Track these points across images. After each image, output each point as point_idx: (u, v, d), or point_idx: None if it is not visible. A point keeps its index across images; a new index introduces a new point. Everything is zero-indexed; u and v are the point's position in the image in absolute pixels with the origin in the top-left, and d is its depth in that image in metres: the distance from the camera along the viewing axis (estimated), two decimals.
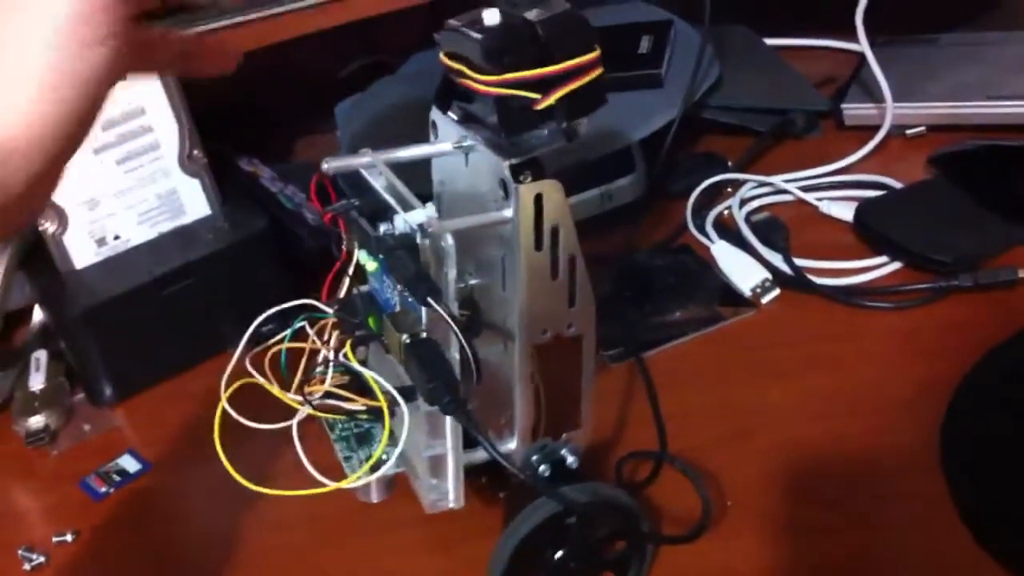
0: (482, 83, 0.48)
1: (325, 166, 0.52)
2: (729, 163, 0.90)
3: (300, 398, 0.53)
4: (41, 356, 0.77)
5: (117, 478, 0.70)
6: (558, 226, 0.48)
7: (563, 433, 0.55)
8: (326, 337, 0.54)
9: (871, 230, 0.81)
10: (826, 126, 0.97)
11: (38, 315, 0.79)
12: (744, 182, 0.87)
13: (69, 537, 0.66)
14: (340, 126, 0.94)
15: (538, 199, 0.48)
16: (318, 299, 0.55)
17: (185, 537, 0.67)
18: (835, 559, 0.58)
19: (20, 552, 0.65)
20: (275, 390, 0.53)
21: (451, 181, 0.55)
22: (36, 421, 0.74)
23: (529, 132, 0.48)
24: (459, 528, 0.59)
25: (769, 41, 1.06)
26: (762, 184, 0.87)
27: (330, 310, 0.54)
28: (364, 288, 0.55)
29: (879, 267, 0.78)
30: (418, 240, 0.48)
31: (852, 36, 0.92)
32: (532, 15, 0.47)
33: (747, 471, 0.63)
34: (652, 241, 0.84)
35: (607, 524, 0.53)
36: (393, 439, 0.51)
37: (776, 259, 0.78)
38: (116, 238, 0.75)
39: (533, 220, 0.48)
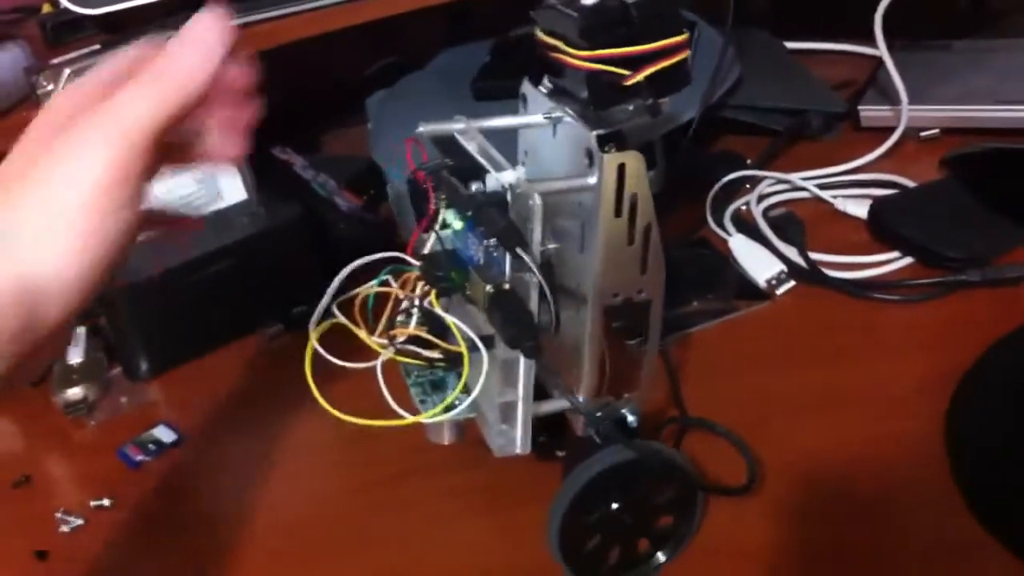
0: (577, 58, 0.52)
1: (421, 128, 0.56)
2: (748, 161, 0.93)
3: (384, 341, 0.56)
4: (80, 331, 0.81)
5: (152, 447, 0.73)
6: (636, 195, 0.52)
7: (624, 393, 0.59)
8: (410, 288, 0.57)
9: (884, 226, 0.84)
10: (843, 127, 1.00)
11: None
12: (762, 179, 0.90)
13: (107, 502, 0.69)
14: (371, 118, 0.97)
15: (620, 168, 0.51)
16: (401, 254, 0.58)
17: (216, 505, 0.70)
18: (843, 542, 0.60)
19: (58, 515, 0.68)
20: (362, 333, 0.56)
21: (536, 151, 0.59)
22: (74, 392, 0.77)
23: (616, 107, 0.52)
24: (518, 483, 0.65)
25: (789, 45, 1.08)
26: (780, 181, 0.90)
27: (416, 263, 0.58)
28: (448, 245, 0.59)
29: (890, 262, 0.81)
30: (508, 198, 0.52)
31: (869, 41, 0.95)
32: None
33: (759, 456, 0.65)
34: (672, 234, 0.86)
35: (664, 480, 0.58)
36: (467, 385, 0.55)
37: (792, 253, 0.81)
38: None
39: (615, 188, 0.52)
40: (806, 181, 0.90)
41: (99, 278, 0.43)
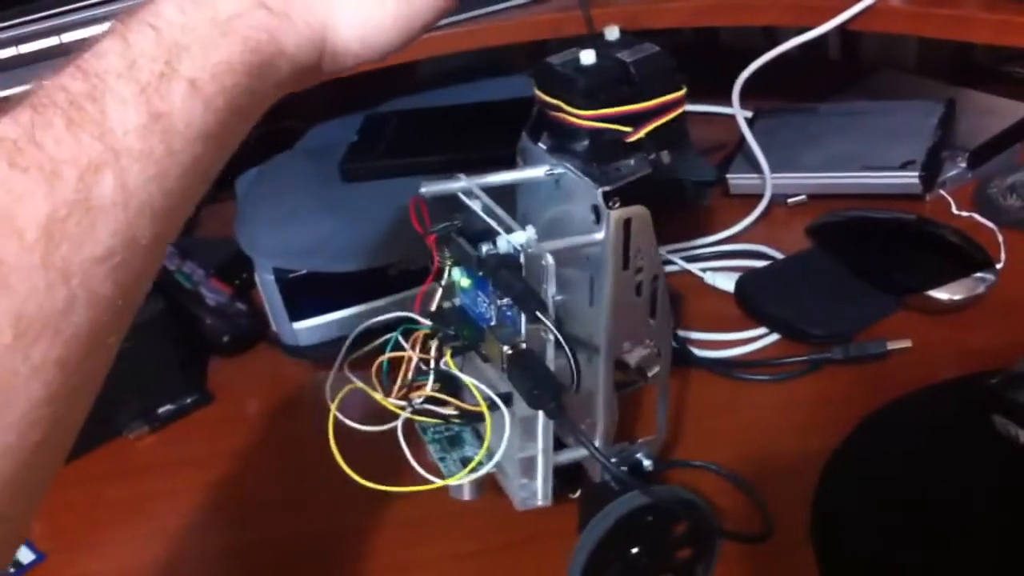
0: (579, 117, 0.56)
1: (423, 190, 0.60)
2: None
3: (402, 403, 0.59)
4: None
5: (11, 570, 0.71)
6: (643, 248, 0.57)
7: (638, 439, 0.65)
8: (419, 347, 0.61)
9: (750, 303, 0.89)
10: (714, 192, 1.01)
11: None
12: None
13: None
14: (239, 200, 0.95)
15: (627, 223, 0.57)
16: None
17: None
18: None
19: None
20: (378, 396, 0.59)
21: (537, 205, 0.64)
22: None
23: (618, 162, 0.57)
24: (533, 524, 0.67)
25: None
26: None
27: (425, 321, 0.61)
28: (456, 302, 0.63)
29: (759, 339, 0.86)
30: (522, 260, 0.57)
31: (744, 103, 1.01)
32: (625, 56, 0.57)
33: None
34: None
35: (682, 522, 0.62)
36: (495, 440, 0.58)
37: None
38: None
39: (623, 242, 0.57)
40: (675, 254, 0.93)
41: (385, 52, 0.51)
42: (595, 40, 0.60)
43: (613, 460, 0.62)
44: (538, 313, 0.55)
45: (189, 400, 0.86)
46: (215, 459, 0.82)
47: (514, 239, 0.56)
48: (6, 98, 0.42)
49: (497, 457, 0.58)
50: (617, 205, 0.56)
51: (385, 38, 0.51)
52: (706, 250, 0.96)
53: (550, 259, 0.55)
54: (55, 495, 0.78)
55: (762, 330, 0.85)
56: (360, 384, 0.59)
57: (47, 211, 0.38)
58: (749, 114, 1.05)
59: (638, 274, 0.58)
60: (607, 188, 0.56)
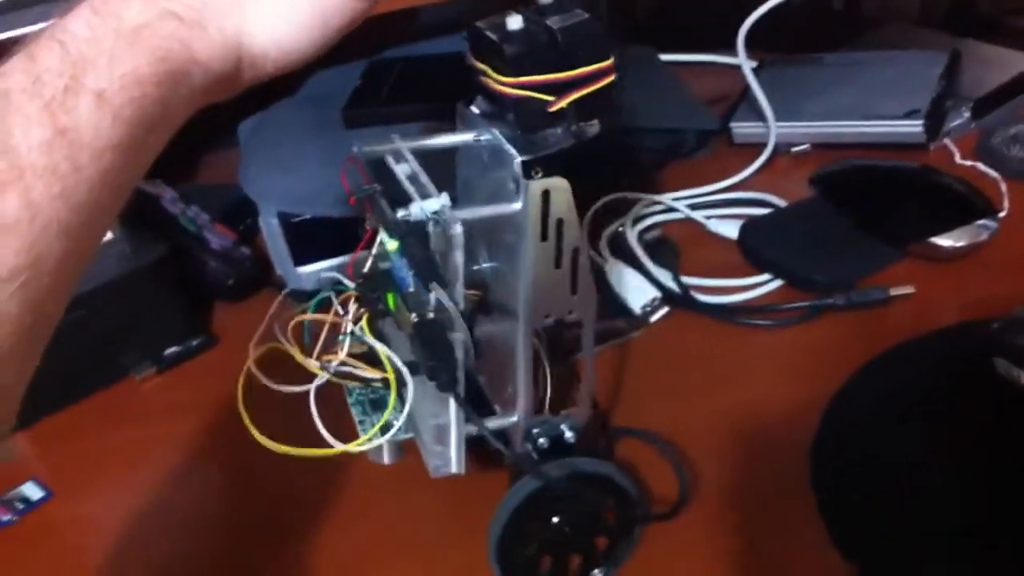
0: (502, 84, 0.55)
1: (355, 150, 0.60)
2: (623, 182, 0.93)
3: (320, 364, 0.59)
4: None
5: (20, 506, 0.74)
6: (562, 220, 0.57)
7: (561, 410, 0.64)
8: (348, 310, 0.61)
9: (752, 250, 0.90)
10: (718, 143, 1.01)
11: None
12: (636, 201, 0.91)
13: None
14: (242, 146, 0.96)
15: (545, 194, 0.56)
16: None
17: (90, 561, 0.71)
18: None
19: None
20: (298, 355, 0.59)
21: (473, 171, 0.63)
22: None
23: (543, 131, 0.56)
24: (466, 491, 0.66)
25: (668, 57, 1.09)
26: (653, 203, 0.91)
27: (350, 284, 0.61)
28: (387, 265, 0.62)
29: (761, 285, 0.87)
30: (430, 228, 0.56)
31: (749, 53, 1.01)
32: (553, 22, 0.56)
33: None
34: None
35: (595, 495, 0.62)
36: (400, 406, 0.59)
37: (666, 277, 0.82)
38: None
39: (540, 213, 0.56)
40: (679, 202, 0.95)
41: (303, 57, 0.51)
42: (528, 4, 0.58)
43: (535, 431, 0.62)
44: (432, 284, 0.54)
45: (194, 343, 0.87)
46: (218, 403, 0.82)
47: (427, 206, 0.56)
48: None
49: (403, 418, 0.58)
50: (539, 176, 0.55)
51: (300, 43, 0.50)
52: (710, 198, 0.96)
53: (458, 228, 0.54)
54: (64, 436, 0.80)
55: (764, 277, 0.86)
56: (282, 340, 0.59)
57: None
58: (754, 63, 1.06)
59: (558, 246, 0.57)
60: (526, 158, 0.54)
